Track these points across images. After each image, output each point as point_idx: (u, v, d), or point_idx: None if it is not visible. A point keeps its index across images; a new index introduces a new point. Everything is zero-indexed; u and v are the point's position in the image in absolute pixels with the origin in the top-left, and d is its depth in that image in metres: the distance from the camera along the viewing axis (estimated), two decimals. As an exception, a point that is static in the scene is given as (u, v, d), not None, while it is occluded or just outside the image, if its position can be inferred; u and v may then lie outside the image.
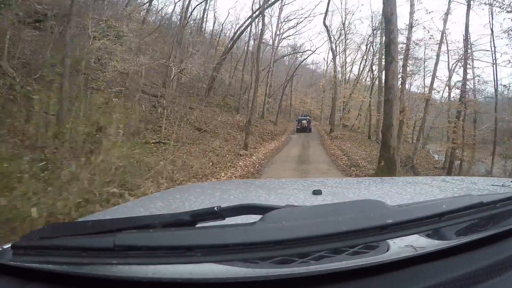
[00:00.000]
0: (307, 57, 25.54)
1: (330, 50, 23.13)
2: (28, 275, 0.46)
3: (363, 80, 26.81)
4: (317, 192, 0.92)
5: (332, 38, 28.56)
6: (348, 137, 18.36)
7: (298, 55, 28.96)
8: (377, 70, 20.64)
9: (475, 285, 0.44)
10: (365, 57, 24.07)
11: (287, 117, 31.82)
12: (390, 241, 0.50)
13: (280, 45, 26.84)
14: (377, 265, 0.44)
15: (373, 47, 21.27)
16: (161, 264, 0.40)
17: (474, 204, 0.49)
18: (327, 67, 34.43)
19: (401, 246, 0.50)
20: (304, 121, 21.69)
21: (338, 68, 30.13)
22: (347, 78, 28.56)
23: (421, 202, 0.61)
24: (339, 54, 27.65)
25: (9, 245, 0.48)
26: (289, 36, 26.88)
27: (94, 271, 0.43)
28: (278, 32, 24.93)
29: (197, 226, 0.48)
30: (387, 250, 0.49)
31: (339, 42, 26.36)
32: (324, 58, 57.56)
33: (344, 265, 0.44)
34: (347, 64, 28.35)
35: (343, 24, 24.90)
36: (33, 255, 0.44)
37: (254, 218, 0.44)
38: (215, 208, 0.48)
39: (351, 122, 27.07)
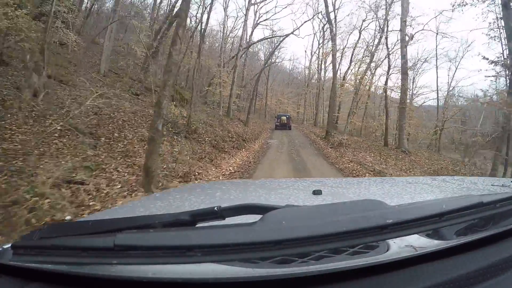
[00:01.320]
0: (290, 33, 18.64)
1: (326, 18, 16.03)
2: (28, 275, 0.46)
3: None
4: (317, 192, 0.92)
5: (320, 24, 22.93)
6: (356, 144, 12.22)
7: (277, 47, 24.38)
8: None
9: (475, 285, 0.44)
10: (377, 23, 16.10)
11: (262, 117, 28.15)
12: (390, 241, 0.50)
13: (254, 30, 21.47)
14: (377, 265, 0.44)
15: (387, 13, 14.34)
16: (161, 264, 0.40)
17: (474, 204, 0.50)
18: (311, 57, 29.57)
19: (401, 246, 0.50)
20: (284, 117, 20.95)
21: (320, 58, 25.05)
22: (338, 72, 22.93)
23: (421, 202, 0.61)
24: (325, 43, 23.03)
25: (9, 245, 0.48)
26: (267, 19, 23.16)
27: (94, 271, 0.43)
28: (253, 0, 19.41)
29: (197, 226, 0.48)
30: (387, 250, 0.49)
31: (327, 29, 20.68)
32: (305, 51, 50.50)
33: (344, 265, 0.44)
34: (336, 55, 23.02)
35: (333, 5, 18.05)
36: (33, 255, 0.44)
37: (254, 218, 0.44)
38: (215, 208, 0.48)
39: (343, 123, 21.00)
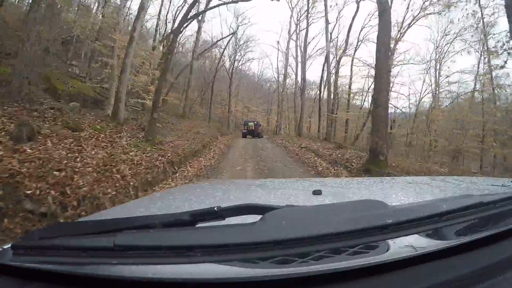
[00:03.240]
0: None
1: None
2: (28, 275, 0.46)
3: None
4: (317, 192, 0.92)
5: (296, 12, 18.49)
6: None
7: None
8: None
9: (475, 285, 0.44)
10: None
11: (224, 128, 22.38)
12: (390, 241, 0.50)
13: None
14: (377, 265, 0.44)
15: None
16: (161, 264, 0.40)
17: (474, 204, 0.50)
18: (289, 40, 22.98)
19: (401, 246, 0.50)
20: (251, 124, 19.25)
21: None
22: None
23: (421, 202, 0.61)
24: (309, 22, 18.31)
25: (9, 245, 0.48)
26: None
27: (94, 271, 0.43)
28: None
29: (197, 226, 0.48)
30: (387, 250, 0.49)
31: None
32: (278, 42, 41.34)
33: (344, 265, 0.44)
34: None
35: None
36: (33, 255, 0.44)
37: (254, 218, 0.45)
38: (215, 208, 0.48)
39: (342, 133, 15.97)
